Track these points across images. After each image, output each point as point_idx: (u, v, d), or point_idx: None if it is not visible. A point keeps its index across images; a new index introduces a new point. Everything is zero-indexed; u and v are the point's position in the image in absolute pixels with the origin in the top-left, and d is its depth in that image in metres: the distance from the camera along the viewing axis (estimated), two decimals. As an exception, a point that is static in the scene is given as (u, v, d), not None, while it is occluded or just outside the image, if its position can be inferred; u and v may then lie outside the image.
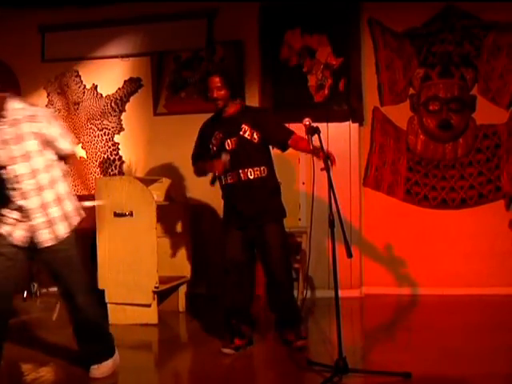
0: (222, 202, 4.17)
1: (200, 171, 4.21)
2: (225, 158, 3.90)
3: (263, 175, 3.96)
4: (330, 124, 5.88)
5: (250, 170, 3.93)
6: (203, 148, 4.12)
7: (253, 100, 5.97)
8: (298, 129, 3.96)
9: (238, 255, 4.00)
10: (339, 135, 5.90)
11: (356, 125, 5.98)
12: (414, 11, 5.87)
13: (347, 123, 5.96)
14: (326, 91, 6.02)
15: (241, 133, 3.95)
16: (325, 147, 3.64)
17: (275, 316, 4.21)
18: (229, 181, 3.99)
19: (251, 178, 3.93)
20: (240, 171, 3.93)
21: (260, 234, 3.97)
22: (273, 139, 4.02)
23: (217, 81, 3.93)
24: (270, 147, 4.12)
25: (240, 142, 3.94)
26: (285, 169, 5.38)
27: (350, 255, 3.39)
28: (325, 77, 6.02)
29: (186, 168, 6.04)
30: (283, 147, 4.03)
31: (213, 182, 4.00)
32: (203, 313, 5.30)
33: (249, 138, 3.94)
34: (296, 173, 5.91)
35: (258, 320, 4.59)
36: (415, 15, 5.89)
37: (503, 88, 5.81)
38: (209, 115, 4.24)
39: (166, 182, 5.60)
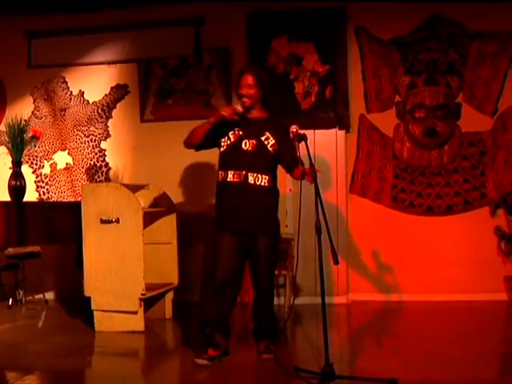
0: (215, 202, 4.03)
1: (194, 133, 3.99)
2: (237, 107, 3.90)
3: (269, 185, 3.90)
4: (316, 131, 5.90)
5: (258, 175, 3.87)
6: (212, 132, 3.94)
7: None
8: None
9: (231, 262, 3.90)
10: (326, 142, 5.92)
11: (342, 132, 6.00)
12: (400, 19, 5.93)
13: (334, 130, 5.99)
14: (313, 98, 6.04)
15: (262, 138, 3.91)
16: (311, 155, 3.64)
17: (254, 325, 4.15)
18: (233, 179, 3.88)
19: (258, 183, 3.86)
20: (249, 174, 3.85)
21: (253, 244, 3.90)
22: (283, 157, 3.91)
23: (249, 79, 3.93)
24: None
25: (258, 146, 3.90)
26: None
27: (336, 262, 3.40)
28: (311, 84, 6.05)
29: (174, 174, 6.09)
30: (289, 168, 3.90)
31: (212, 124, 3.89)
32: (190, 320, 5.27)
33: (267, 145, 3.91)
34: (283, 179, 5.89)
35: (247, 328, 4.57)
36: (401, 23, 5.95)
37: (488, 96, 5.87)
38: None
39: (152, 189, 5.58)
